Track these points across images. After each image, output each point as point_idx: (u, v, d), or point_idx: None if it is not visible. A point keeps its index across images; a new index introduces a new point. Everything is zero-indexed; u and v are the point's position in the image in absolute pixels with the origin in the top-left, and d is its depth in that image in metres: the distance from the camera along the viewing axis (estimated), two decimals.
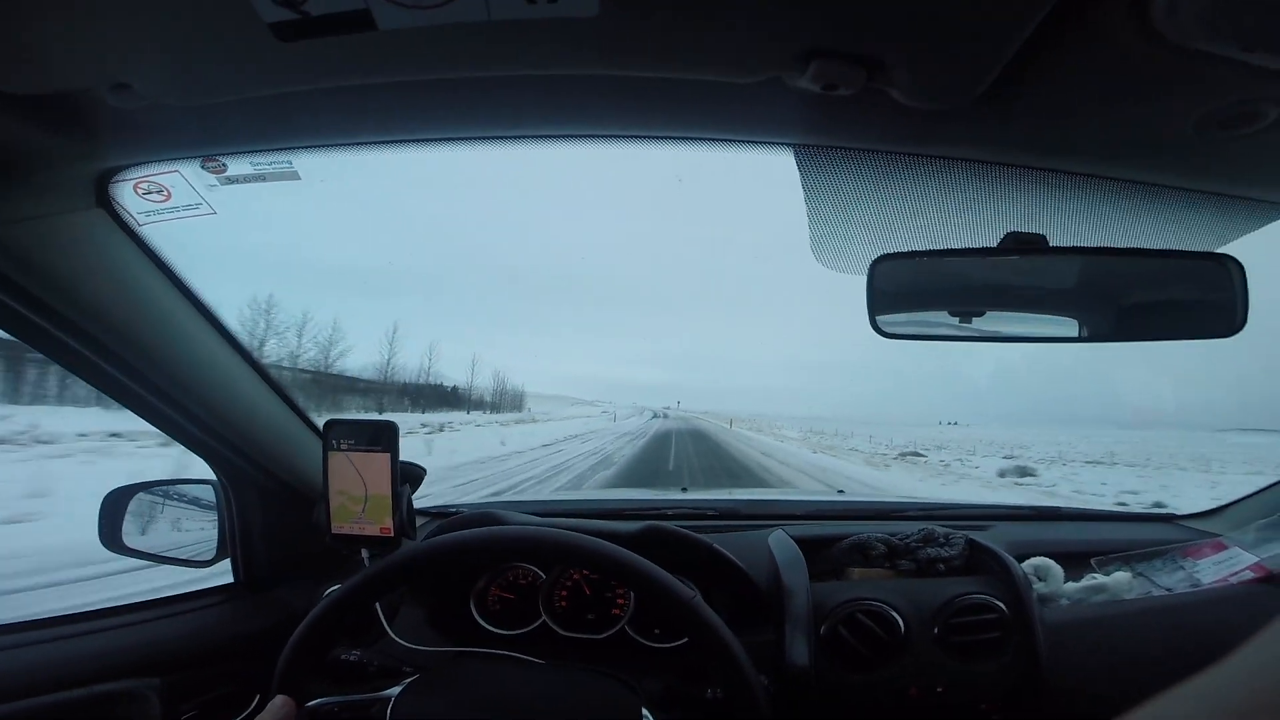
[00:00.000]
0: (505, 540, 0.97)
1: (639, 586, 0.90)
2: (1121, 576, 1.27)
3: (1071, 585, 1.26)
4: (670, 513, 1.56)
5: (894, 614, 1.11)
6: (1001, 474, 20.12)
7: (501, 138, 0.70)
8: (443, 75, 0.58)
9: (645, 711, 0.88)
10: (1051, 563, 1.27)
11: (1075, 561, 1.33)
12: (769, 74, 0.56)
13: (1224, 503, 1.58)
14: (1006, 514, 1.59)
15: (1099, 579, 1.28)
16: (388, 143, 0.71)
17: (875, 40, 0.53)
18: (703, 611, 0.87)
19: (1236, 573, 1.26)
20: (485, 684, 0.94)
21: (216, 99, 0.63)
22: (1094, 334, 0.80)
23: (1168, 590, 1.28)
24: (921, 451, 30.99)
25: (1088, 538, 1.48)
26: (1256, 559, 1.26)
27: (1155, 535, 1.48)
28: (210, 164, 0.78)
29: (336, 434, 1.03)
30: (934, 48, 0.54)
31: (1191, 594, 1.25)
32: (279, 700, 0.86)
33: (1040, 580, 1.25)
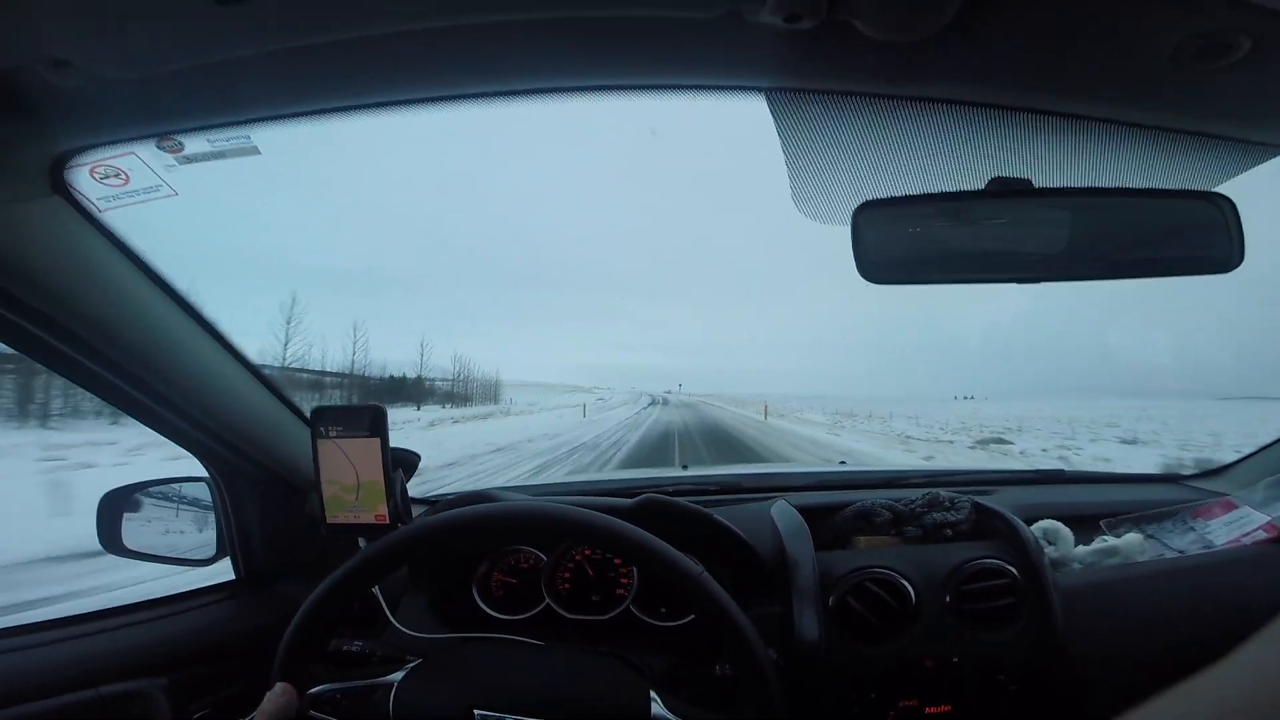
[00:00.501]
0: (504, 516, 0.94)
1: (642, 561, 0.88)
2: (1133, 538, 1.25)
3: (1082, 549, 1.24)
4: (670, 489, 1.53)
5: (904, 582, 1.09)
6: None
7: (460, 96, 0.67)
8: (388, 29, 0.56)
9: (653, 693, 0.86)
10: (1060, 525, 1.25)
11: (1083, 524, 1.30)
12: (728, 7, 0.53)
13: (1227, 461, 1.55)
14: (1009, 478, 1.57)
15: (1110, 541, 1.25)
16: (341, 109, 0.68)
17: None
18: (708, 585, 0.85)
19: (1249, 533, 1.24)
20: (490, 668, 0.93)
21: (161, 69, 0.60)
22: (1087, 273, 0.77)
23: (1179, 552, 1.26)
24: (1006, 438, 24.08)
25: (1094, 500, 1.45)
26: (1268, 518, 1.24)
27: (1161, 496, 1.46)
28: (166, 143, 0.76)
29: (324, 421, 1.02)
30: None
31: (1206, 555, 1.22)
32: (279, 687, 0.85)
33: (1050, 544, 1.22)
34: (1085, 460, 15.07)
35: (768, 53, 0.61)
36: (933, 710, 1.08)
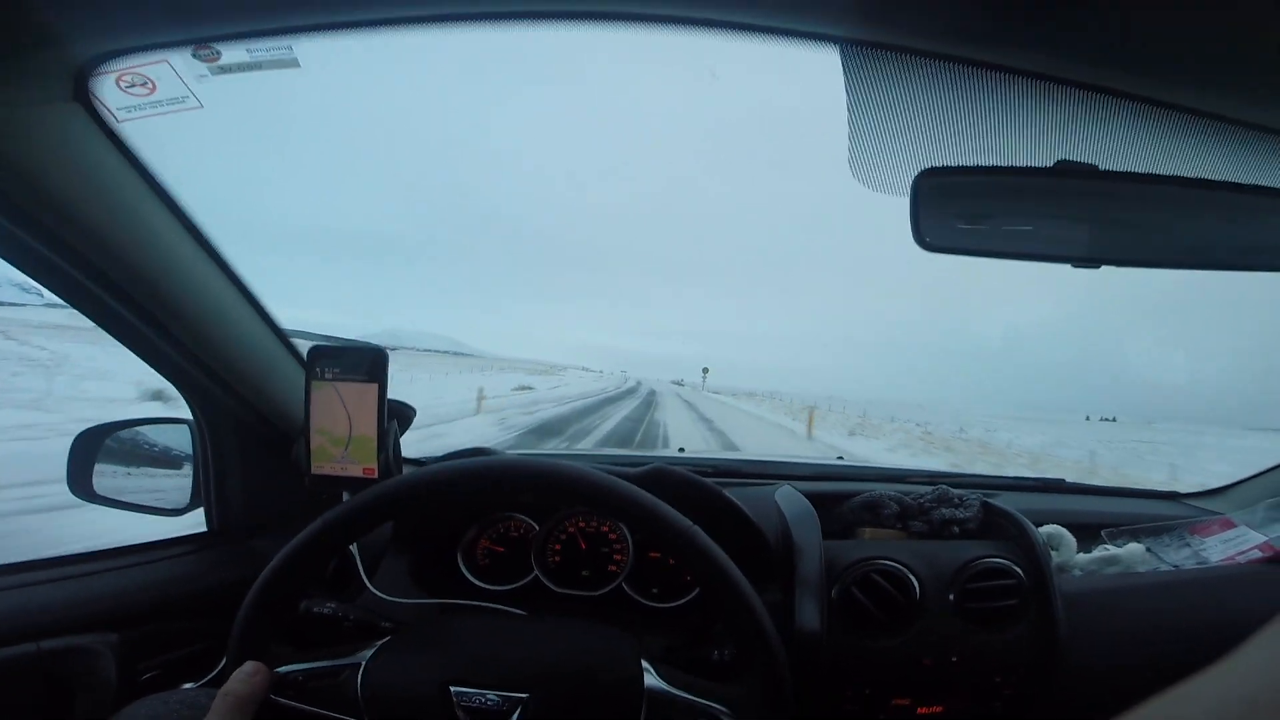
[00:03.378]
0: (493, 470, 0.88)
1: (631, 516, 0.83)
2: (1135, 548, 1.25)
3: (1083, 556, 1.24)
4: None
5: (910, 576, 1.06)
6: None
7: (509, 14, 0.63)
8: None
9: (645, 663, 0.80)
10: (1064, 531, 1.24)
11: (1083, 533, 1.30)
12: None
13: (1228, 482, 1.57)
14: (1010, 484, 1.56)
15: (1112, 550, 1.25)
16: (383, 21, 0.64)
17: None
18: (700, 540, 0.80)
19: (1244, 552, 1.25)
20: (467, 640, 0.86)
21: None
22: (1149, 260, 0.76)
23: (1174, 566, 1.26)
24: None
25: (1093, 510, 1.45)
26: (1265, 538, 1.25)
27: (1159, 511, 1.47)
28: (203, 51, 0.70)
29: (321, 361, 0.96)
30: None
31: (1206, 570, 1.23)
32: (250, 666, 0.77)
33: (1053, 549, 1.21)
34: None
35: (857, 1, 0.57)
36: (925, 710, 1.07)
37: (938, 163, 0.73)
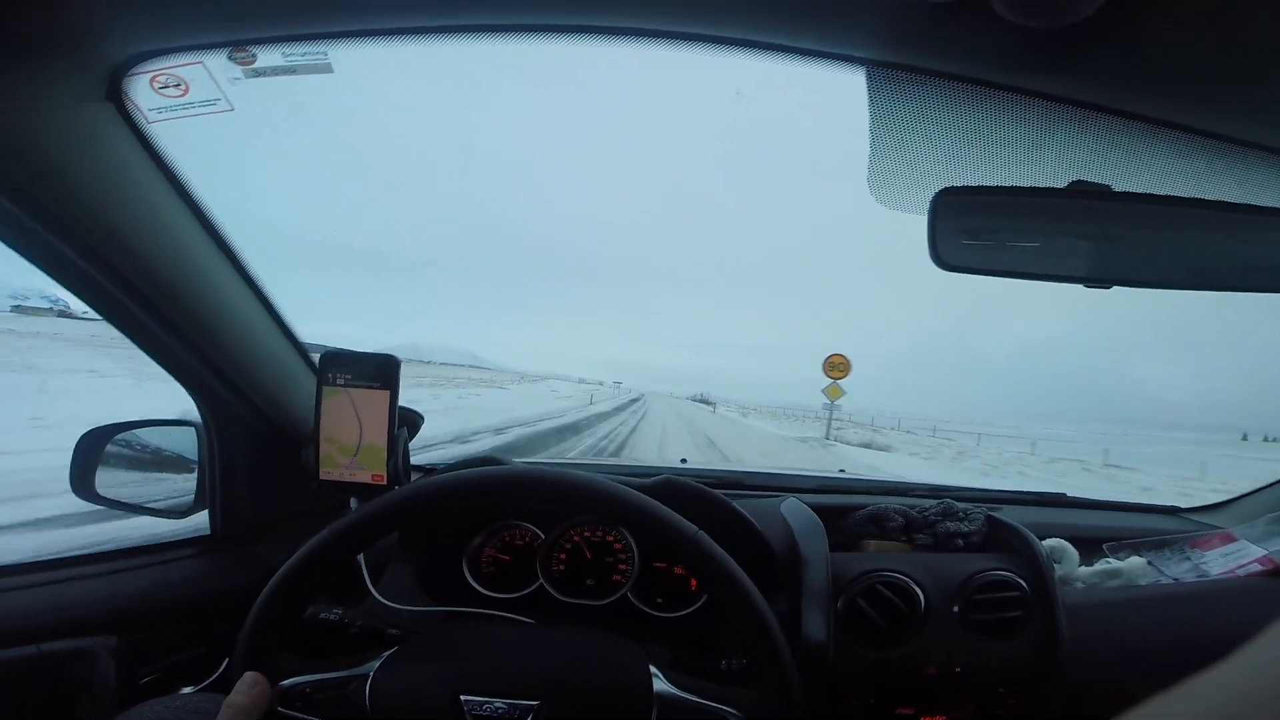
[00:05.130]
0: (503, 480, 0.88)
1: (636, 522, 0.84)
2: (1137, 561, 1.26)
3: (1085, 569, 1.25)
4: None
5: (915, 587, 1.07)
6: None
7: (545, 27, 0.64)
8: None
9: (653, 668, 0.81)
10: (1067, 545, 1.26)
11: (1085, 547, 1.31)
12: None
13: (1229, 497, 1.58)
14: (1013, 498, 1.57)
15: (1113, 563, 1.27)
16: (418, 30, 0.65)
17: None
18: (706, 545, 0.82)
19: (1244, 565, 1.26)
20: (475, 648, 0.86)
21: None
22: (1166, 281, 0.78)
23: (1174, 580, 1.28)
24: None
25: (1094, 524, 1.46)
26: (1264, 552, 1.26)
27: (1159, 526, 1.48)
28: (239, 54, 0.71)
29: (333, 367, 0.96)
30: None
31: (1207, 583, 1.24)
32: (250, 677, 0.76)
33: (1056, 562, 1.23)
34: None
35: (886, 23, 0.58)
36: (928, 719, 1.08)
37: (955, 182, 0.74)
